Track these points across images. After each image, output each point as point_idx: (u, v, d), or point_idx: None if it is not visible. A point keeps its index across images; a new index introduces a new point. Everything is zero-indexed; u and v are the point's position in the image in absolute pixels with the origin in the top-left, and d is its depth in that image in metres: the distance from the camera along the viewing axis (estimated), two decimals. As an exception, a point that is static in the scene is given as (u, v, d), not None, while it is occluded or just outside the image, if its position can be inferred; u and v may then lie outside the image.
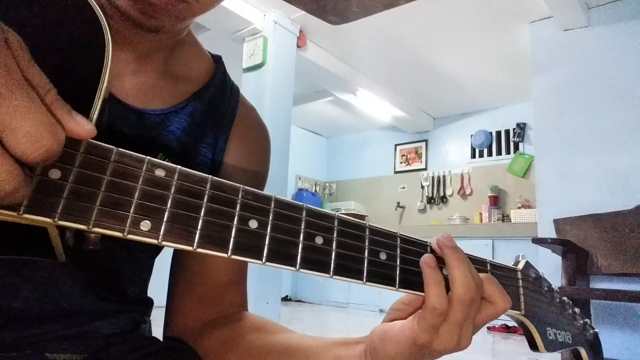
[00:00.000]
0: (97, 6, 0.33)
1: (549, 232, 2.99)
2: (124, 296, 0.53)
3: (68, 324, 0.47)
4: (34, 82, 0.25)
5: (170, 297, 0.57)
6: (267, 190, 0.34)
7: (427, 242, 0.40)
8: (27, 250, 0.37)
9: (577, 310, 0.51)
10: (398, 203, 5.85)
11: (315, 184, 6.54)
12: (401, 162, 6.02)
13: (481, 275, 0.40)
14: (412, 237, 0.40)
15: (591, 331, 0.52)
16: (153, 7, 0.43)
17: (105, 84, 0.32)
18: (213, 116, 0.57)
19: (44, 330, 0.45)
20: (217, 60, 0.61)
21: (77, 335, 0.47)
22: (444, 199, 5.50)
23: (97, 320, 0.49)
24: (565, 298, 0.50)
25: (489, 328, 3.93)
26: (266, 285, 3.25)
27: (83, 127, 0.27)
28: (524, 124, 4.93)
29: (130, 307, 0.54)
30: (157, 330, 0.56)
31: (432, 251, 0.40)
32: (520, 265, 0.46)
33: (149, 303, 0.59)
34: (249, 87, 3.54)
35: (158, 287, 0.60)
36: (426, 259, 0.38)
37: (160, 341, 0.54)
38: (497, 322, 4.04)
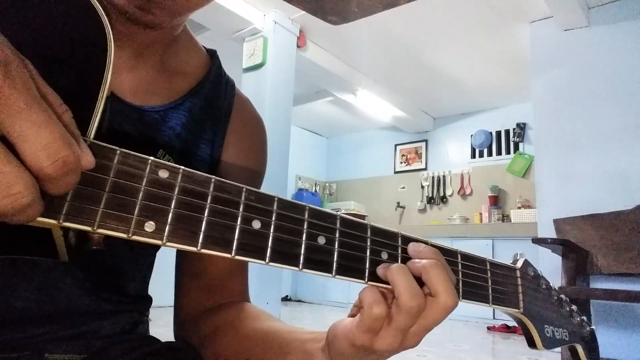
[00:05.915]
0: (97, 4, 0.33)
1: (549, 232, 2.99)
2: (124, 294, 0.54)
3: (68, 324, 0.47)
4: (50, 101, 0.25)
5: (177, 286, 0.60)
6: (267, 191, 0.34)
7: (427, 240, 0.40)
8: (29, 250, 0.37)
9: (574, 307, 0.52)
10: (398, 203, 5.84)
11: (315, 184, 6.54)
12: (401, 162, 6.02)
13: (424, 262, 0.37)
14: (412, 237, 0.40)
15: (588, 328, 0.52)
16: (150, 3, 0.43)
17: (108, 82, 0.32)
18: (210, 112, 0.57)
19: (44, 330, 0.45)
20: (212, 54, 0.61)
21: (77, 335, 0.48)
22: (444, 199, 5.50)
23: (97, 320, 0.50)
24: (562, 296, 0.51)
25: (489, 328, 3.93)
26: (266, 285, 3.25)
27: (86, 157, 0.27)
28: (524, 124, 4.93)
29: (129, 306, 0.54)
30: (157, 329, 0.57)
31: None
32: (519, 264, 0.47)
33: (149, 301, 0.59)
34: (249, 87, 3.53)
35: (158, 287, 0.61)
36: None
37: (160, 341, 0.55)
38: (497, 322, 4.04)
